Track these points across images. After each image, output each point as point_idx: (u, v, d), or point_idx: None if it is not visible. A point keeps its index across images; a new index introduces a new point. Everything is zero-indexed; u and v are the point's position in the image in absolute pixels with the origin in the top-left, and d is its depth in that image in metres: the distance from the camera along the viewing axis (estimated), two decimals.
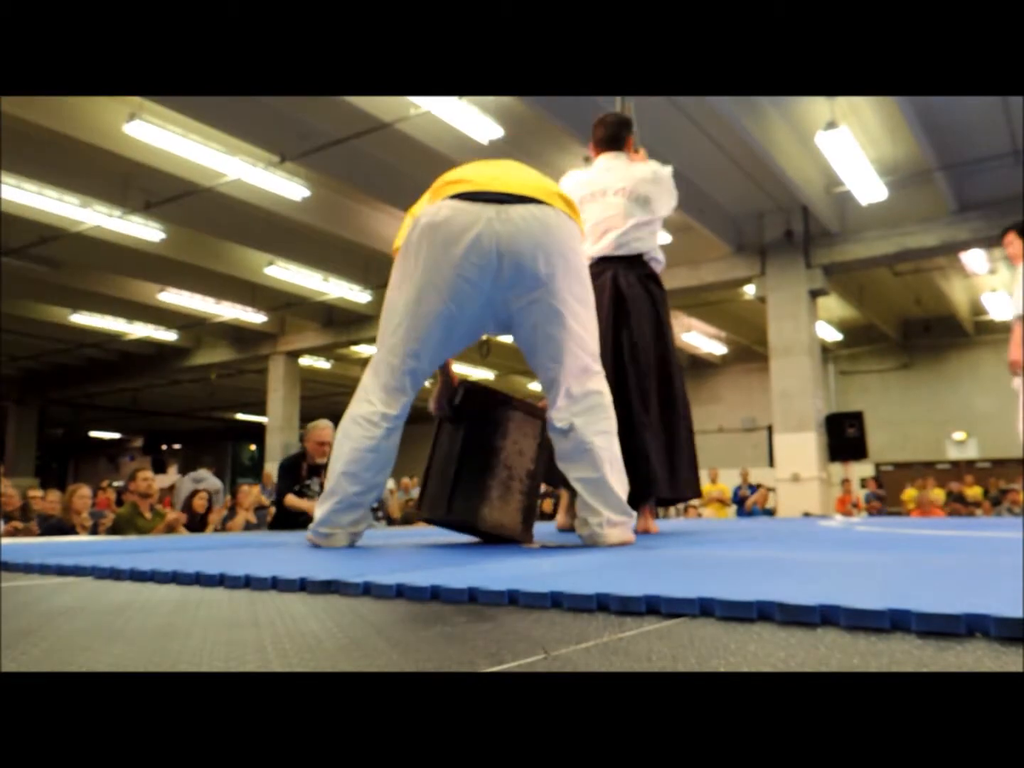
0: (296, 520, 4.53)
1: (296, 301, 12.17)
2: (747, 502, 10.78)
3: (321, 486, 4.68)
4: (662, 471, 2.61)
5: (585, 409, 1.89)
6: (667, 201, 2.83)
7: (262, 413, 14.61)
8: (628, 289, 2.72)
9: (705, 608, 0.80)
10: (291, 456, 4.86)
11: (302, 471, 4.70)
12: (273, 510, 7.33)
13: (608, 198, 2.76)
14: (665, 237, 9.64)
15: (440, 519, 2.12)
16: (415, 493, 9.63)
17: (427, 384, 2.04)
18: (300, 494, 4.65)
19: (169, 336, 14.40)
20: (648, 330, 2.72)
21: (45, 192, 8.22)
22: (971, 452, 14.11)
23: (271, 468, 12.68)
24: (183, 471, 23.23)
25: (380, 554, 1.67)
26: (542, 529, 2.86)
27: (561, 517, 2.77)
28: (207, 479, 7.84)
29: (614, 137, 2.92)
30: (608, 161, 2.87)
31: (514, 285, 1.84)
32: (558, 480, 2.56)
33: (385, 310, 1.95)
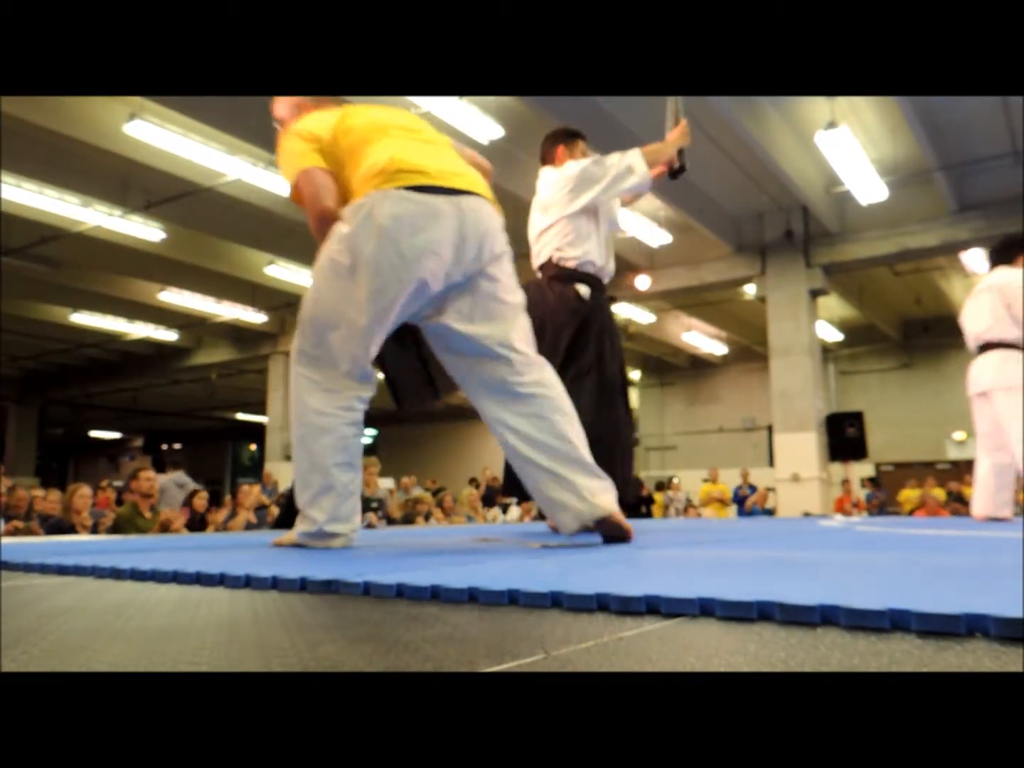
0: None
1: (296, 301, 12.13)
2: (747, 502, 10.79)
3: None
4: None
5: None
6: (561, 199, 2.80)
7: (262, 413, 14.61)
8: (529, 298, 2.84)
9: (705, 608, 0.80)
10: None
11: None
12: (275, 510, 7.34)
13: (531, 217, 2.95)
14: (665, 237, 9.65)
15: None
16: (415, 493, 9.63)
17: None
18: None
19: (169, 336, 14.40)
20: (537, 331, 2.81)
21: (45, 192, 8.22)
22: (971, 452, 14.05)
23: (271, 468, 12.69)
24: (185, 472, 23.21)
25: (380, 554, 1.67)
26: (540, 529, 2.86)
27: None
28: (188, 482, 7.88)
29: (543, 155, 3.03)
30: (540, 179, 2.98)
31: (462, 280, 1.91)
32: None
33: (333, 293, 1.90)
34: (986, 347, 3.99)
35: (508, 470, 2.74)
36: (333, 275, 1.91)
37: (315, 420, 1.88)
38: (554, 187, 2.83)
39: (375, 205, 1.83)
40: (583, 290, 2.77)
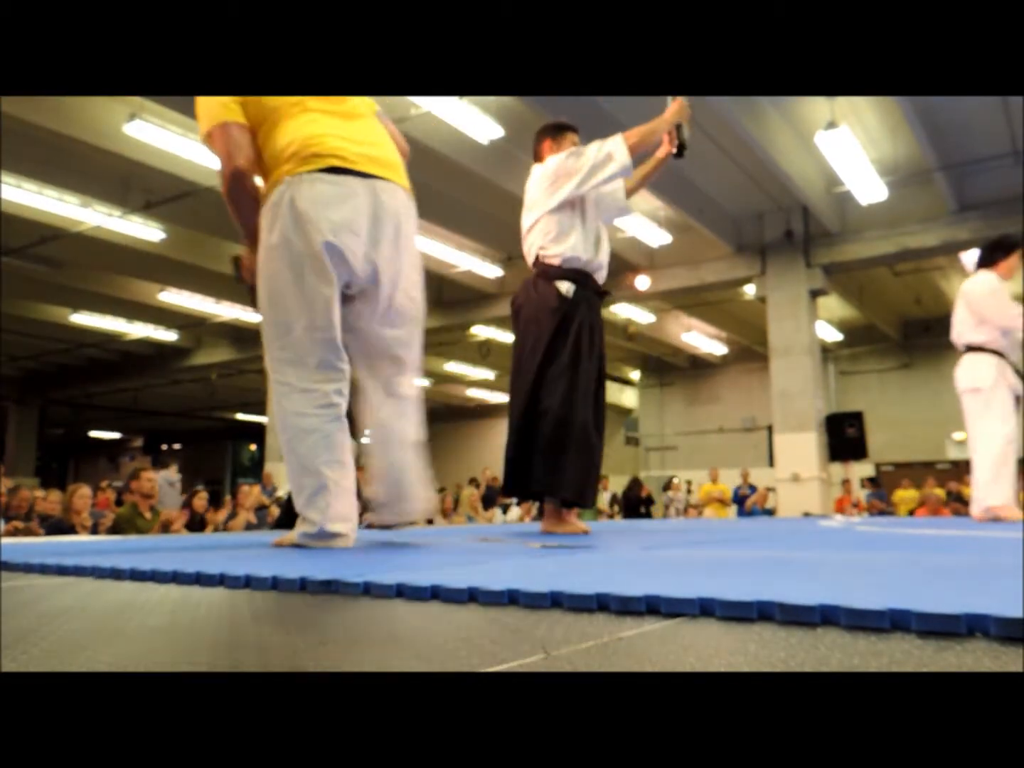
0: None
1: None
2: (747, 502, 10.78)
3: None
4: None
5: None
6: (541, 196, 2.78)
7: (262, 413, 14.62)
8: (517, 298, 2.87)
9: (705, 608, 0.80)
10: None
11: None
12: (275, 510, 7.34)
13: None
14: (665, 237, 9.65)
15: None
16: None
17: None
18: None
19: (169, 336, 14.40)
20: (524, 330, 2.80)
21: (45, 192, 8.22)
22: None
23: (271, 468, 12.68)
24: (181, 471, 23.20)
25: (380, 554, 1.67)
26: (536, 529, 2.86)
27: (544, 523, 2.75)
28: (177, 479, 7.90)
29: (533, 152, 2.99)
30: None
31: (374, 273, 1.97)
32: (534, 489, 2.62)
33: (281, 293, 1.90)
34: (963, 350, 4.04)
35: (509, 470, 2.73)
36: (276, 276, 1.91)
37: (297, 423, 1.89)
38: (535, 184, 2.81)
39: (294, 194, 1.87)
40: (563, 288, 2.72)
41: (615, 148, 2.65)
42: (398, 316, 2.08)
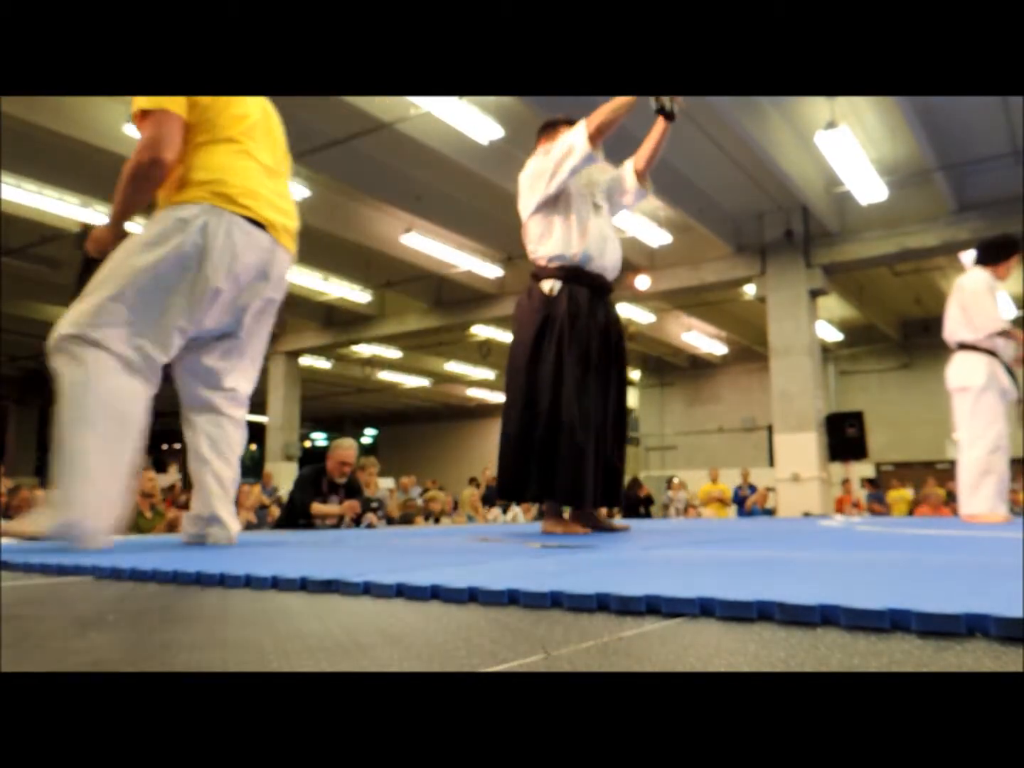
0: (298, 521, 4.53)
1: (296, 301, 12.16)
2: (747, 502, 10.78)
3: (340, 503, 4.68)
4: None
5: None
6: (525, 200, 2.77)
7: (262, 413, 14.61)
8: (517, 304, 2.86)
9: (705, 608, 0.80)
10: (313, 469, 4.84)
11: (323, 487, 4.70)
12: (275, 510, 7.34)
13: None
14: (665, 237, 9.65)
15: None
16: (413, 493, 9.63)
17: None
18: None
19: None
20: (515, 333, 2.80)
21: (45, 192, 8.22)
22: None
23: (271, 468, 12.69)
24: (181, 471, 23.16)
25: (380, 554, 1.67)
26: (536, 529, 2.86)
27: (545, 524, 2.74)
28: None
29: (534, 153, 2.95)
30: None
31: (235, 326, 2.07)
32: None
33: (135, 284, 1.85)
34: (955, 348, 4.00)
35: (501, 474, 2.70)
36: (142, 278, 1.86)
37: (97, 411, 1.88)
38: (520, 189, 2.80)
39: (209, 222, 1.90)
40: (546, 287, 2.69)
41: (575, 139, 2.60)
42: (237, 361, 2.17)
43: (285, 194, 2.16)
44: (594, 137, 2.57)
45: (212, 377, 2.11)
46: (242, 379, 2.18)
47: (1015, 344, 3.85)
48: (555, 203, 2.74)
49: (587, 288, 2.72)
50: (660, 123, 2.79)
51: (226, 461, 2.13)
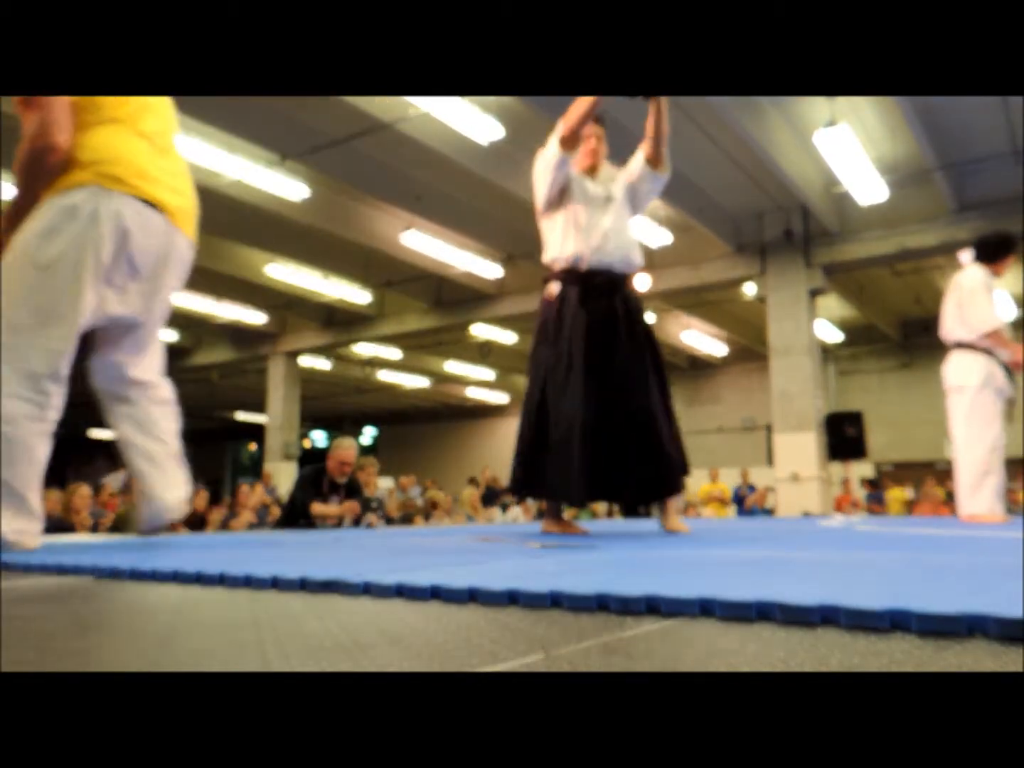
0: (299, 521, 4.53)
1: (296, 301, 12.17)
2: (747, 502, 10.79)
3: (340, 503, 4.67)
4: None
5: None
6: (536, 191, 2.80)
7: (262, 413, 14.62)
8: None
9: (705, 608, 0.80)
10: (313, 469, 4.84)
11: (323, 487, 4.70)
12: (275, 510, 7.35)
13: None
14: (666, 237, 9.65)
15: None
16: (413, 493, 9.64)
17: None
18: None
19: (169, 336, 14.41)
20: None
21: None
22: None
23: (271, 468, 12.69)
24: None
25: (380, 554, 1.67)
26: (537, 529, 2.86)
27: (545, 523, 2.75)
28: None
29: None
30: None
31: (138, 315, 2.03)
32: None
33: (29, 286, 1.79)
34: (952, 347, 3.99)
35: (512, 472, 2.71)
36: (30, 275, 1.81)
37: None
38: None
39: (100, 206, 1.83)
40: (551, 289, 2.74)
41: (550, 142, 2.66)
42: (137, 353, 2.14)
43: (179, 172, 2.09)
44: (565, 140, 2.63)
45: (122, 370, 2.10)
46: (150, 369, 2.15)
47: (1003, 349, 3.82)
48: (558, 205, 2.78)
49: (583, 287, 2.70)
50: (651, 105, 2.75)
51: (155, 438, 2.12)
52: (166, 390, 2.20)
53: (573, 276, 2.72)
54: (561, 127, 2.62)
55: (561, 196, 2.77)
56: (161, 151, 2.03)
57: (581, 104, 2.58)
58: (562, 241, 2.74)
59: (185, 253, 2.12)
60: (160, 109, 2.09)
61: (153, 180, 1.96)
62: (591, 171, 2.89)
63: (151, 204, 1.94)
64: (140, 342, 2.11)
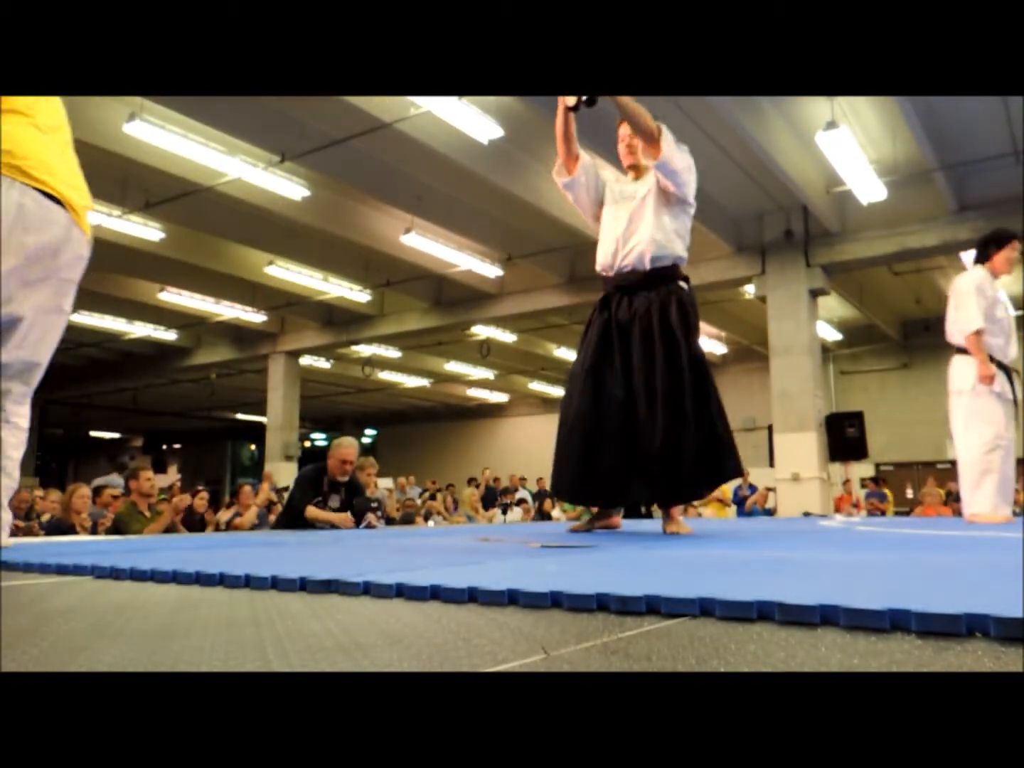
0: (298, 522, 4.53)
1: (296, 301, 12.17)
2: (747, 502, 10.78)
3: (341, 503, 4.67)
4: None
5: None
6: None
7: (262, 413, 14.61)
8: None
9: (705, 608, 0.80)
10: (313, 468, 4.83)
11: (323, 486, 4.69)
12: (277, 509, 7.35)
13: None
14: None
15: None
16: (412, 493, 9.63)
17: None
18: (318, 507, 4.65)
19: (169, 336, 14.40)
20: None
21: None
22: None
23: (271, 468, 12.68)
24: (181, 471, 23.20)
25: (380, 554, 1.67)
26: (544, 529, 2.86)
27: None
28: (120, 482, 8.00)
29: None
30: None
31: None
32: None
33: None
34: (956, 350, 3.99)
35: (559, 470, 2.71)
36: None
37: None
38: None
39: (5, 200, 1.81)
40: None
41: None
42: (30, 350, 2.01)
43: (76, 171, 2.05)
44: (560, 152, 2.77)
45: None
46: (24, 373, 2.01)
47: (976, 356, 3.79)
48: (594, 218, 2.93)
49: (605, 292, 2.84)
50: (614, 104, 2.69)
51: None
52: (23, 412, 2.07)
53: (603, 282, 2.87)
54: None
55: (600, 207, 2.90)
56: (61, 147, 2.00)
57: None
58: (599, 252, 2.87)
59: (82, 248, 2.05)
60: (50, 107, 2.03)
61: (56, 175, 1.93)
62: (634, 170, 2.91)
63: (54, 199, 1.91)
64: (18, 340, 1.96)
